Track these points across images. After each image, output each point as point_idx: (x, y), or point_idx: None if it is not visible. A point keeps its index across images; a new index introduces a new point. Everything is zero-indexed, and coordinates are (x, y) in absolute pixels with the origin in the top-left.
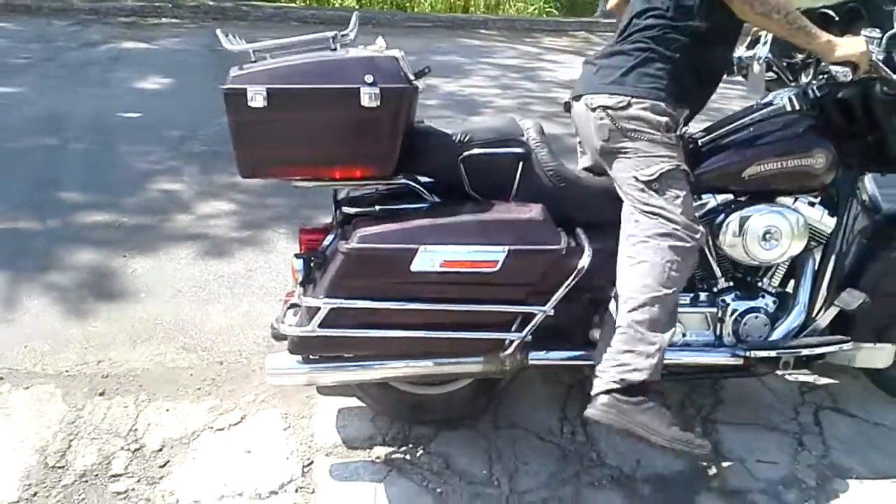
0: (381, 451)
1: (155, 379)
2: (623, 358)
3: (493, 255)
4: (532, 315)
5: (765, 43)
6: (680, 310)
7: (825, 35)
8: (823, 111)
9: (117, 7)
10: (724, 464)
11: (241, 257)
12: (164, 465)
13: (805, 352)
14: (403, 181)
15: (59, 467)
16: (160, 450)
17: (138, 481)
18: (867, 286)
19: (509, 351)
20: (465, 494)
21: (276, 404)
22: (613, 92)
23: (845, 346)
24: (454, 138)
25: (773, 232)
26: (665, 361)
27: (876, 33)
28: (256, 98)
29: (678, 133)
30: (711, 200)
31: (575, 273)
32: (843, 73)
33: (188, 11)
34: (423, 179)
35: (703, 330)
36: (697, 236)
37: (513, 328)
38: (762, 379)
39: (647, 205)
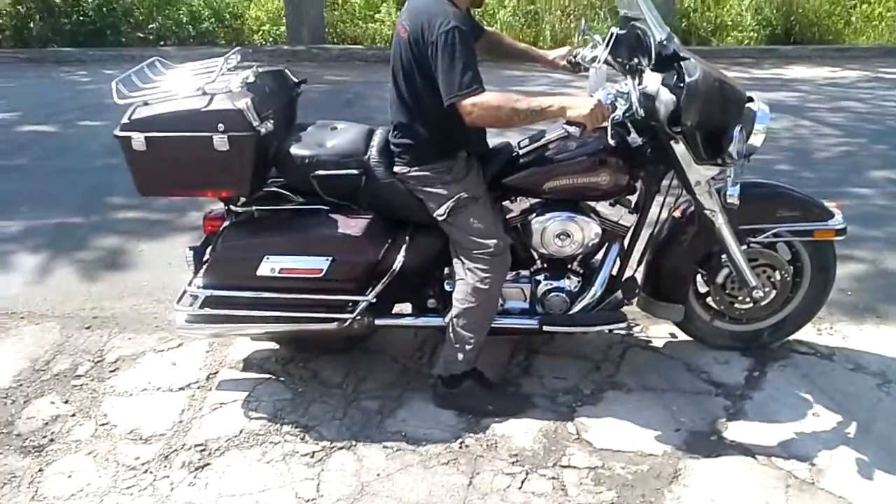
0: (270, 367)
1: (129, 320)
2: (447, 353)
3: (319, 264)
4: (359, 301)
5: (606, 46)
6: (505, 285)
7: (557, 103)
8: (625, 127)
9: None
10: (525, 379)
11: None
12: (114, 370)
13: (578, 329)
14: (275, 189)
15: (41, 370)
16: (114, 361)
17: (92, 379)
18: (657, 262)
19: (346, 325)
20: (318, 393)
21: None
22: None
23: (615, 327)
24: (305, 160)
25: (566, 233)
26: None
27: (613, 91)
28: (138, 143)
29: (465, 168)
30: (524, 203)
31: (390, 273)
32: (574, 131)
33: (265, 55)
34: None
35: (520, 301)
36: (493, 249)
37: (347, 310)
38: None
39: (452, 231)
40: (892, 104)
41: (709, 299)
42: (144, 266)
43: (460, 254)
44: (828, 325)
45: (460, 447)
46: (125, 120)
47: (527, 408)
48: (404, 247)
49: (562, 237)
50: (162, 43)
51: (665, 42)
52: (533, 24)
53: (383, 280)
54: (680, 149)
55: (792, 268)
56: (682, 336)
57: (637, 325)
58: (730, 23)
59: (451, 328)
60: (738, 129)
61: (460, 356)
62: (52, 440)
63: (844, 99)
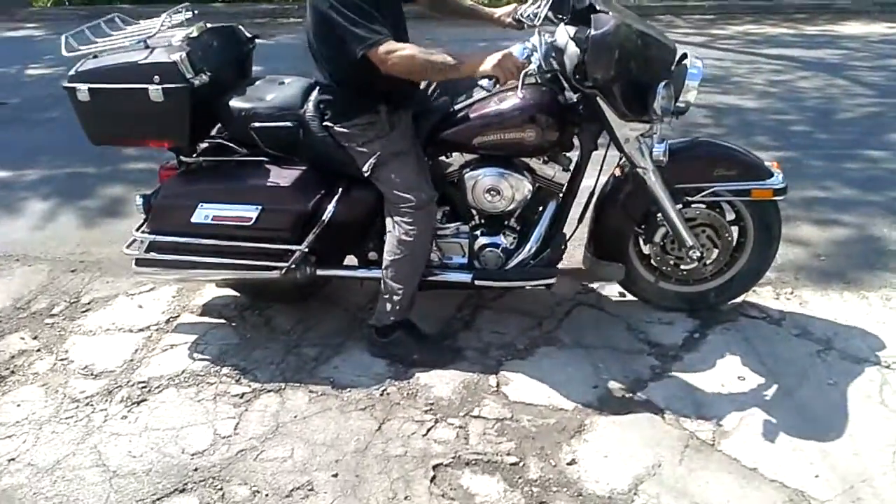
0: (227, 313)
1: (112, 265)
2: (379, 304)
3: (249, 212)
4: (292, 251)
5: (547, 1)
6: (443, 240)
7: (467, 59)
8: (559, 83)
9: (254, 10)
10: (464, 332)
11: None
12: (85, 311)
13: (509, 285)
14: (218, 139)
15: (21, 308)
16: (88, 303)
17: (64, 318)
18: (597, 220)
19: (286, 273)
20: (264, 339)
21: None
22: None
23: (542, 282)
24: (242, 113)
25: (497, 189)
26: (425, 278)
27: (529, 45)
28: (82, 94)
29: (387, 124)
30: (459, 158)
31: (319, 223)
32: (488, 85)
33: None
34: None
35: (458, 255)
36: (416, 203)
37: (283, 259)
38: None
39: (379, 185)
40: None
41: (653, 260)
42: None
43: (388, 207)
44: (789, 289)
45: (381, 394)
46: (72, 72)
47: (456, 360)
48: (336, 198)
49: (492, 192)
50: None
51: None
52: None
53: (313, 230)
54: (605, 105)
55: (736, 228)
56: (631, 296)
57: (587, 283)
58: None
59: (382, 279)
60: (661, 85)
61: (390, 307)
62: (12, 372)
63: (891, 57)
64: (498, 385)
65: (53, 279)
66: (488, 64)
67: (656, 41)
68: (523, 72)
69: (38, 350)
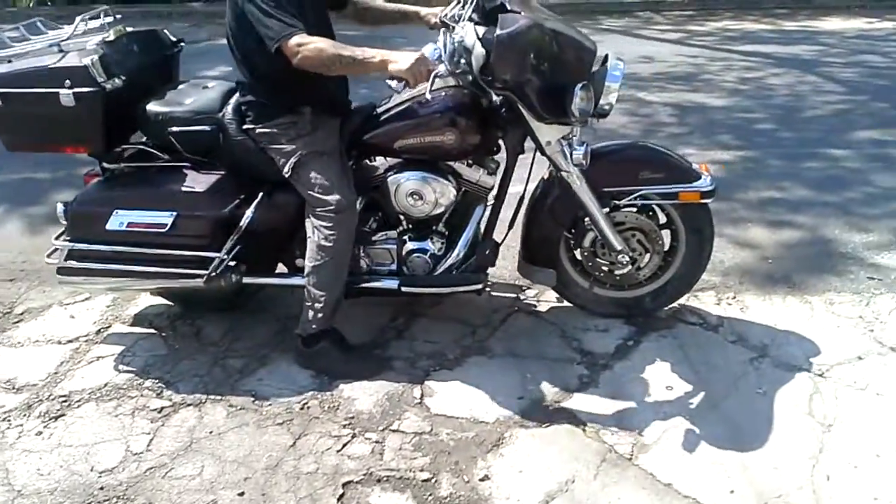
0: (158, 323)
1: (51, 274)
2: (303, 313)
3: (163, 218)
4: (210, 258)
5: (469, 3)
6: (372, 246)
7: (379, 56)
8: (478, 86)
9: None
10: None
11: None
12: (17, 322)
13: (435, 291)
14: (139, 145)
15: None
16: (21, 313)
17: None
18: (528, 225)
19: (210, 282)
20: (192, 350)
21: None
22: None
23: (469, 288)
24: (159, 117)
25: (419, 193)
26: (353, 286)
27: (440, 46)
28: None
29: (309, 124)
30: (382, 162)
31: (237, 230)
32: (398, 87)
33: None
34: None
35: (387, 262)
36: (335, 206)
37: (203, 266)
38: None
39: (298, 188)
40: None
41: (584, 265)
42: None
43: (308, 211)
44: (731, 294)
45: (301, 408)
46: None
47: (382, 371)
48: (255, 204)
49: (415, 196)
50: None
51: None
52: None
53: (232, 237)
54: (521, 108)
55: (668, 231)
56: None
57: (526, 289)
58: None
59: (305, 287)
60: (578, 87)
61: (312, 314)
62: None
63: (867, 53)
64: (422, 397)
65: None
66: (400, 65)
67: (573, 42)
68: (433, 73)
69: None
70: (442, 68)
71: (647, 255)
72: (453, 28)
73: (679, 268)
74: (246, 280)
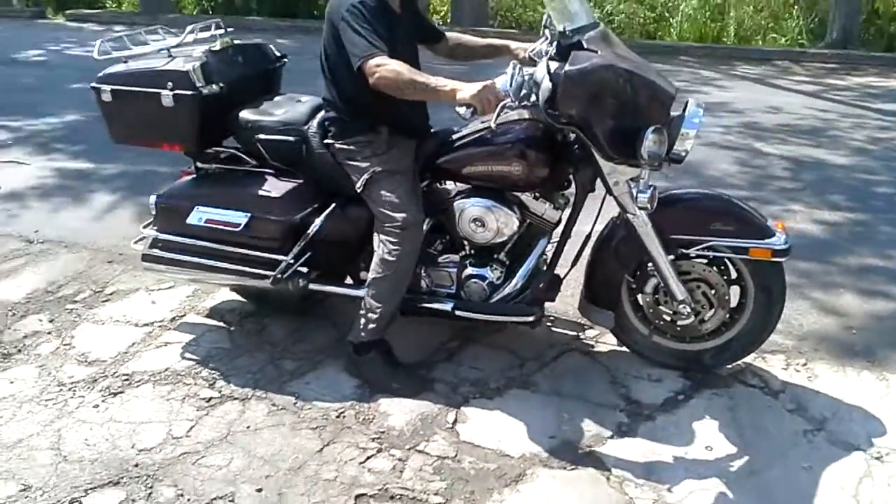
0: (229, 318)
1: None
2: (357, 322)
3: (238, 218)
4: (279, 261)
5: (550, 40)
6: (434, 267)
7: (450, 85)
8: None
9: None
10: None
11: None
12: (105, 301)
13: (487, 318)
14: (232, 149)
15: (50, 292)
16: (110, 293)
17: (83, 306)
18: (591, 264)
19: (277, 283)
20: (253, 346)
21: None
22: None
23: (521, 319)
24: (248, 124)
25: (481, 220)
26: (410, 303)
27: (507, 78)
28: (105, 94)
29: (385, 144)
30: (453, 186)
31: (304, 237)
32: (466, 114)
33: None
34: None
35: (447, 284)
36: (401, 223)
37: (274, 268)
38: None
39: (369, 203)
40: None
41: (645, 311)
42: None
43: (376, 226)
44: (802, 360)
45: (337, 416)
46: (100, 74)
47: (423, 391)
48: (325, 214)
49: (477, 223)
50: None
51: (568, 32)
52: (718, 17)
53: (299, 242)
54: (589, 144)
55: (737, 288)
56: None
57: (588, 329)
58: None
59: (364, 297)
60: (651, 130)
61: (365, 323)
62: (19, 350)
63: None
64: (455, 422)
65: (90, 267)
66: (467, 92)
67: (649, 84)
68: (501, 104)
69: (49, 333)
70: (512, 101)
71: (712, 310)
72: (536, 63)
73: (745, 326)
74: (312, 287)
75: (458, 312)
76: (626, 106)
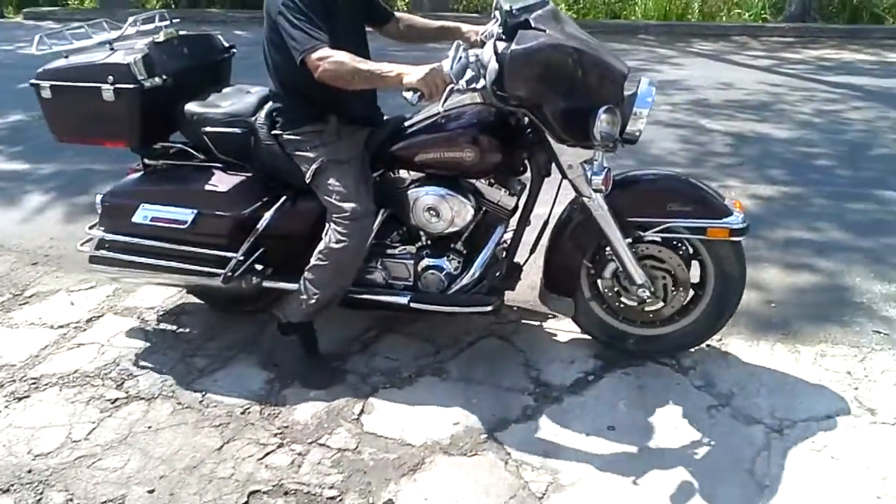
0: (148, 316)
1: (69, 261)
2: (291, 299)
3: (184, 215)
4: (229, 258)
5: (498, 20)
6: (390, 259)
7: (395, 70)
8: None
9: None
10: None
11: None
12: (24, 304)
13: (444, 309)
14: (180, 143)
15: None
16: (30, 296)
17: (0, 310)
18: (549, 250)
19: (229, 281)
20: (167, 344)
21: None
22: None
23: (479, 309)
24: (194, 117)
25: (435, 209)
26: (361, 297)
27: (449, 60)
28: (45, 91)
29: (334, 133)
30: (407, 175)
31: (253, 232)
32: (413, 99)
33: None
34: None
35: (403, 276)
36: (350, 214)
37: (225, 266)
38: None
39: (318, 194)
40: None
41: (606, 298)
42: None
43: (327, 216)
44: (717, 336)
45: (242, 413)
46: (39, 70)
47: (334, 382)
48: (275, 207)
49: (431, 212)
50: None
51: (515, 11)
52: None
53: (248, 238)
54: (541, 127)
55: (697, 266)
56: (550, 328)
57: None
58: None
59: (302, 278)
60: (602, 109)
61: (297, 306)
62: None
63: None
64: (361, 413)
65: (12, 270)
66: (413, 77)
67: (601, 63)
68: (448, 86)
69: None
70: (461, 83)
71: (672, 293)
72: (484, 44)
73: (706, 308)
74: (266, 284)
75: (413, 304)
76: (577, 86)
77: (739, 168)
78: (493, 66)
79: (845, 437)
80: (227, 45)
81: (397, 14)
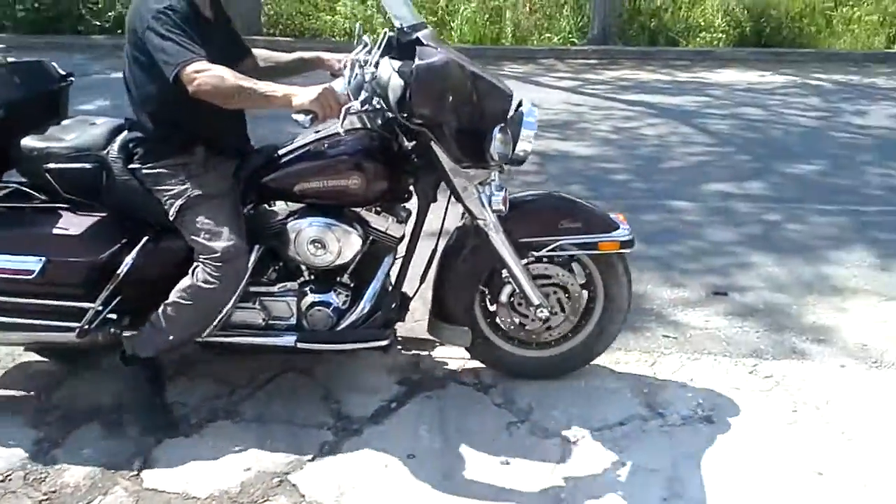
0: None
1: None
2: (142, 332)
3: (30, 265)
4: (85, 309)
5: (378, 48)
6: (269, 298)
7: (281, 90)
8: (389, 128)
9: None
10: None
11: None
12: None
13: (336, 348)
14: (13, 183)
15: None
16: None
17: None
18: (439, 278)
19: (84, 336)
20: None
21: None
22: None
23: (374, 345)
24: (34, 152)
25: (320, 241)
26: (231, 340)
27: (344, 79)
28: None
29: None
30: (284, 207)
31: (114, 278)
32: (304, 121)
33: None
34: None
35: (286, 316)
36: (220, 254)
37: (81, 318)
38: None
39: (184, 233)
40: (794, 112)
41: (501, 322)
42: None
43: (195, 258)
44: None
45: (2, 480)
46: None
47: (111, 435)
48: (137, 249)
49: (316, 244)
50: (120, 31)
51: (407, 29)
52: (497, 19)
53: (107, 286)
54: (438, 149)
55: (585, 285)
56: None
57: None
58: (702, 23)
59: (159, 311)
60: (497, 129)
61: (146, 341)
62: None
63: (748, 105)
64: (142, 467)
65: None
66: (305, 97)
67: (490, 84)
68: (344, 108)
69: None
70: (356, 104)
71: (566, 311)
72: (365, 64)
73: (596, 325)
74: (126, 334)
75: (301, 345)
76: (472, 106)
77: (543, 185)
78: (397, 82)
79: (636, 441)
80: (63, 72)
81: (255, 50)
